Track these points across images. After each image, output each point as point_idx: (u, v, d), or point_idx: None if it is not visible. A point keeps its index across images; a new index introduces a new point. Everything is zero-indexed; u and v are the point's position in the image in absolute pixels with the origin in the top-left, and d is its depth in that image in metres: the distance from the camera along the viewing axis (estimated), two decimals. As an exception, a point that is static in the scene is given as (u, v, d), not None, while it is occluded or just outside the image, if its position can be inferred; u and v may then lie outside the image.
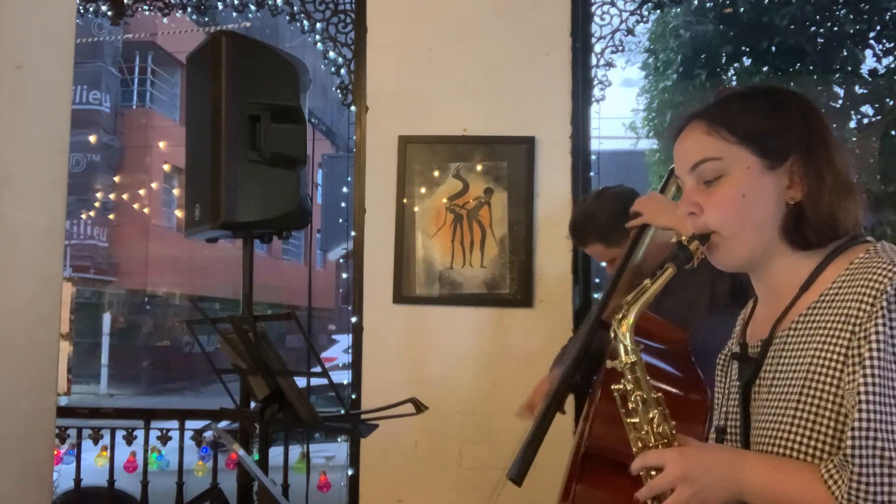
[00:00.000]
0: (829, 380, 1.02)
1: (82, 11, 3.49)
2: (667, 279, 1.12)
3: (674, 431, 1.09)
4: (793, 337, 1.10)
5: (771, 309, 1.16)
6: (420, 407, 2.18)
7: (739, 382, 1.18)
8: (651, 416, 1.09)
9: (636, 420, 1.10)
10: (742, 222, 1.11)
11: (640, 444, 1.10)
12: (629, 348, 1.10)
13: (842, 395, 1.01)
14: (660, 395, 1.11)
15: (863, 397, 0.96)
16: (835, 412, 1.01)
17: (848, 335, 1.01)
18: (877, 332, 0.98)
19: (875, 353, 0.97)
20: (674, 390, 1.72)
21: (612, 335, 1.11)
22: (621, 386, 1.11)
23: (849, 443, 0.96)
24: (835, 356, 1.02)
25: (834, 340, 1.03)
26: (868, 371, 0.97)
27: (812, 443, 1.03)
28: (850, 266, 1.07)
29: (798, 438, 1.04)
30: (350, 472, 3.19)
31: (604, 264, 2.48)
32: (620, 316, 1.11)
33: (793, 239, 1.11)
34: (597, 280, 3.20)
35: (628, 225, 2.09)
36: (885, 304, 0.98)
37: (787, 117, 1.13)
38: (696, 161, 1.14)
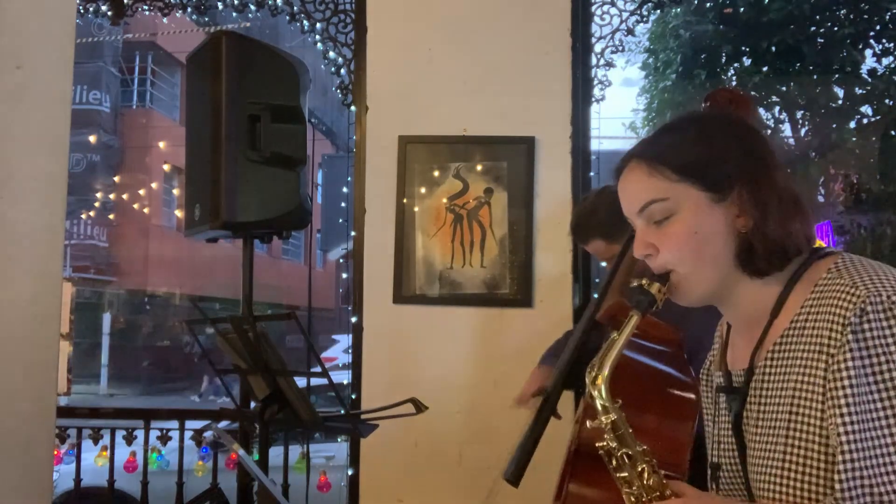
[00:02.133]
0: (812, 412, 1.01)
1: (82, 11, 3.49)
2: (633, 328, 1.09)
3: (665, 481, 1.07)
4: (771, 367, 1.09)
5: (746, 337, 1.16)
6: (420, 407, 2.18)
7: (729, 414, 1.17)
8: (640, 469, 1.07)
9: (625, 475, 1.08)
10: (698, 258, 1.09)
11: (632, 499, 1.08)
12: (608, 407, 1.07)
13: (827, 427, 1.00)
14: (646, 447, 1.08)
15: (843, 438, 0.95)
16: (823, 445, 1.01)
17: (823, 365, 1.00)
18: (847, 368, 0.97)
19: (849, 391, 0.96)
20: (668, 390, 1.73)
21: (588, 395, 1.08)
22: (605, 444, 1.08)
23: (838, 486, 0.95)
24: (815, 388, 1.01)
25: (811, 372, 1.02)
26: (845, 410, 0.96)
27: (807, 478, 1.02)
28: (815, 288, 1.06)
29: (792, 475, 1.03)
30: (350, 472, 3.19)
31: (604, 264, 2.48)
32: (594, 374, 1.08)
33: (748, 268, 1.10)
34: (596, 280, 3.19)
35: None
36: (850, 336, 0.97)
37: (723, 144, 1.11)
38: (642, 204, 1.12)
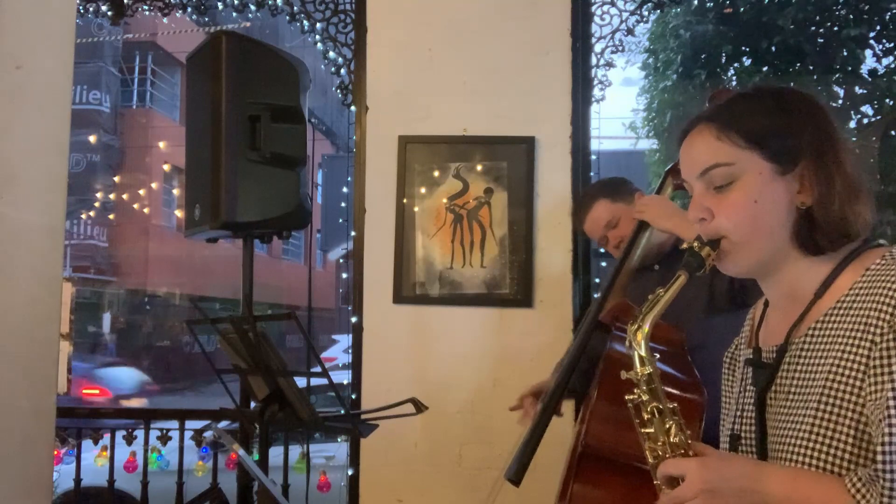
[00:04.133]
0: (848, 388, 1.01)
1: (82, 11, 3.49)
2: (679, 287, 1.10)
3: (689, 441, 1.07)
4: (809, 344, 1.09)
5: (785, 314, 1.15)
6: (420, 407, 2.18)
7: (755, 388, 1.16)
8: (667, 426, 1.07)
9: (651, 430, 1.08)
10: (754, 228, 1.09)
11: (656, 455, 1.08)
12: (646, 359, 1.07)
13: (862, 404, 1.00)
14: (675, 405, 1.08)
15: (893, 412, 0.95)
16: (854, 421, 1.01)
17: (868, 345, 1.00)
18: None
19: None
20: (673, 391, 1.73)
21: (628, 345, 1.09)
22: (636, 396, 1.09)
23: (879, 458, 0.95)
24: (854, 366, 1.01)
25: (853, 350, 1.02)
26: None
27: (831, 451, 1.02)
28: (866, 273, 1.06)
29: (817, 447, 1.03)
30: (350, 472, 3.19)
31: (604, 264, 2.48)
32: (636, 326, 1.09)
33: (804, 244, 1.10)
34: (597, 280, 3.20)
35: (635, 214, 2.09)
36: None
37: (797, 119, 1.11)
38: (706, 166, 1.12)
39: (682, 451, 1.07)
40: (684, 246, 1.13)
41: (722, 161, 1.11)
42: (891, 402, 0.95)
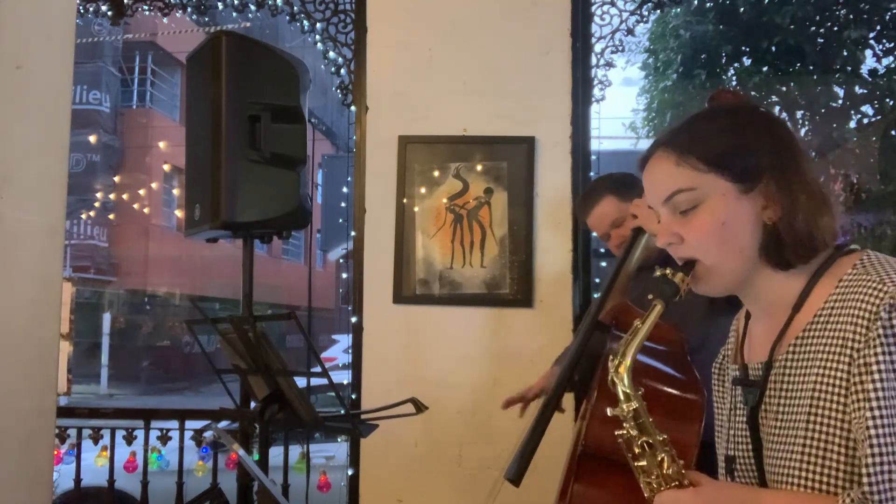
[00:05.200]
0: (834, 406, 1.01)
1: (82, 11, 3.49)
2: (657, 317, 1.09)
3: (683, 471, 1.07)
4: (792, 360, 1.09)
5: (766, 329, 1.15)
6: (420, 407, 2.18)
7: (745, 407, 1.16)
8: (660, 458, 1.07)
9: (644, 464, 1.08)
10: (724, 250, 1.09)
11: (651, 488, 1.08)
12: (630, 395, 1.07)
13: (849, 420, 0.99)
14: (665, 436, 1.08)
15: (872, 431, 0.95)
16: (844, 438, 1.00)
17: (847, 360, 1.00)
18: (878, 363, 0.96)
19: (879, 385, 0.96)
20: (671, 391, 1.73)
21: (610, 381, 1.08)
22: (625, 432, 1.08)
23: (865, 479, 0.95)
24: (837, 382, 1.01)
25: (834, 366, 1.02)
26: (874, 404, 0.95)
27: (825, 471, 1.02)
28: (839, 284, 1.06)
29: (810, 468, 1.03)
30: (350, 472, 3.19)
31: (604, 264, 2.47)
32: (617, 361, 1.08)
33: (773, 260, 1.09)
34: (597, 280, 3.20)
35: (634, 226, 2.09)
36: (880, 331, 0.97)
37: (755, 136, 1.10)
38: (669, 193, 1.11)
39: (677, 483, 1.06)
40: (657, 274, 1.12)
41: (684, 186, 1.10)
42: (870, 423, 0.95)
